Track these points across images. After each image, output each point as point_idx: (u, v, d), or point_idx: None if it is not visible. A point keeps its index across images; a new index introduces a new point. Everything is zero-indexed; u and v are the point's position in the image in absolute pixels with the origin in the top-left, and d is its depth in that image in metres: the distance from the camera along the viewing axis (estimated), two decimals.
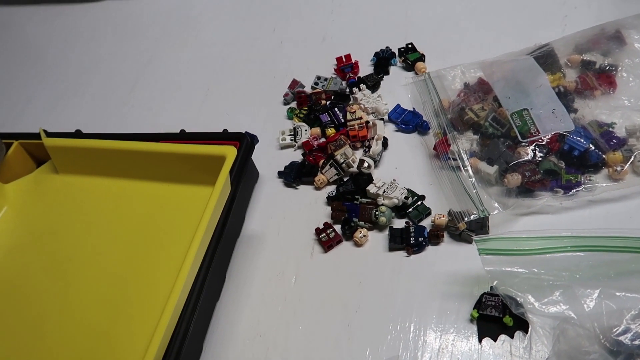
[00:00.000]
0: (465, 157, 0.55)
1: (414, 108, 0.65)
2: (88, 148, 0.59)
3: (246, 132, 0.70)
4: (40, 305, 0.52)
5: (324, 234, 0.56)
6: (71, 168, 0.62)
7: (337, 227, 0.57)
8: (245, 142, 0.59)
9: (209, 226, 0.48)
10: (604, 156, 0.53)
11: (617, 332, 0.38)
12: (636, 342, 0.38)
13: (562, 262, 0.44)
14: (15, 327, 0.51)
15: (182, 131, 0.64)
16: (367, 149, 0.62)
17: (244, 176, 0.58)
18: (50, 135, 0.61)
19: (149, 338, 0.42)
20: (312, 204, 0.61)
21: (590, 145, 0.52)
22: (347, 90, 0.70)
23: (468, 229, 0.52)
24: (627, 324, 0.38)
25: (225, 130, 0.63)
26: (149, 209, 0.56)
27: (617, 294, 0.40)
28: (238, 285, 0.56)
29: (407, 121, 0.64)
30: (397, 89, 0.69)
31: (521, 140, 0.53)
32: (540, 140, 0.52)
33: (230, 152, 0.51)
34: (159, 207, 0.56)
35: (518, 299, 0.43)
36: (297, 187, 0.63)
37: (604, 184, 0.52)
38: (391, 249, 0.54)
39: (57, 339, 0.49)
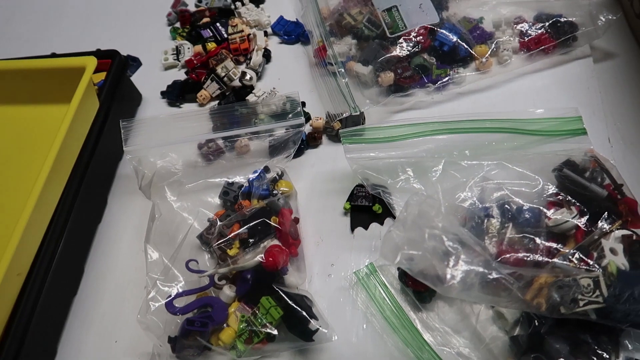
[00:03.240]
0: (340, 60, 0.53)
1: (297, 19, 0.63)
2: None
3: (128, 55, 0.66)
4: None
5: (205, 147, 0.54)
6: None
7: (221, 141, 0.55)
8: (117, 59, 0.56)
9: (67, 142, 0.45)
10: (471, 50, 0.53)
11: (460, 199, 0.39)
12: (477, 206, 0.39)
13: (423, 145, 0.45)
14: None
15: (53, 54, 0.60)
16: (248, 62, 0.60)
17: (118, 95, 0.55)
18: None
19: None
20: (199, 119, 0.58)
21: (459, 40, 0.52)
22: (232, 5, 0.67)
23: (344, 127, 0.51)
24: (468, 190, 0.40)
25: (98, 50, 0.59)
26: (12, 134, 0.52)
27: (462, 163, 0.41)
28: (121, 208, 0.54)
29: (290, 32, 0.62)
30: (283, 1, 0.66)
31: (389, 36, 0.52)
32: (407, 35, 0.52)
33: (90, 63, 0.48)
34: (23, 130, 0.52)
35: (375, 181, 0.43)
36: (181, 105, 0.60)
37: (471, 74, 0.52)
38: (272, 154, 0.53)
39: None
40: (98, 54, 0.57)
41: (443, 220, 0.37)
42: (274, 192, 0.48)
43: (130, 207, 0.53)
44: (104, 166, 0.54)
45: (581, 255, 0.35)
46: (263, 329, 0.40)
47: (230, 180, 0.50)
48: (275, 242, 0.44)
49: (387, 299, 0.41)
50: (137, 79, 0.64)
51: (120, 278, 0.49)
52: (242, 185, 0.50)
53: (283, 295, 0.40)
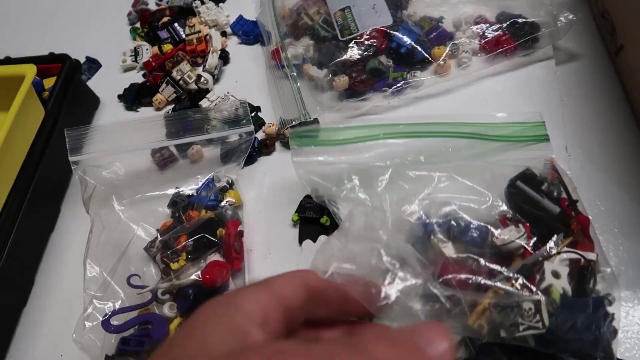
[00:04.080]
0: (293, 63, 0.51)
1: (257, 18, 0.60)
2: None
3: (87, 56, 0.64)
4: None
5: (158, 154, 0.52)
6: None
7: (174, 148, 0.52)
8: (68, 63, 0.53)
9: (5, 151, 0.43)
10: (429, 52, 0.50)
11: (407, 213, 0.37)
12: (422, 221, 0.36)
13: (374, 149, 0.41)
14: None
15: (7, 58, 0.57)
16: (204, 64, 0.57)
17: (68, 101, 0.52)
18: None
19: None
20: (152, 125, 0.56)
21: (413, 42, 0.49)
22: (193, 4, 0.64)
23: None
24: (417, 204, 0.37)
25: (51, 53, 0.56)
26: None
27: (410, 174, 0.38)
28: (75, 216, 0.52)
29: (248, 32, 0.59)
30: (244, 0, 0.63)
31: (340, 39, 0.49)
32: (359, 38, 0.49)
33: (29, 71, 0.45)
34: None
35: (320, 188, 0.40)
36: (138, 109, 0.58)
37: (429, 78, 0.49)
38: (224, 161, 0.50)
39: None
40: (49, 58, 0.55)
41: (387, 234, 0.34)
42: (222, 203, 0.45)
43: (85, 215, 0.51)
44: (55, 174, 0.52)
45: (523, 279, 0.33)
46: None
47: (179, 190, 0.48)
48: (218, 256, 0.41)
49: None
50: (96, 81, 0.62)
51: (70, 289, 0.47)
52: (191, 195, 0.47)
53: None
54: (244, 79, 0.56)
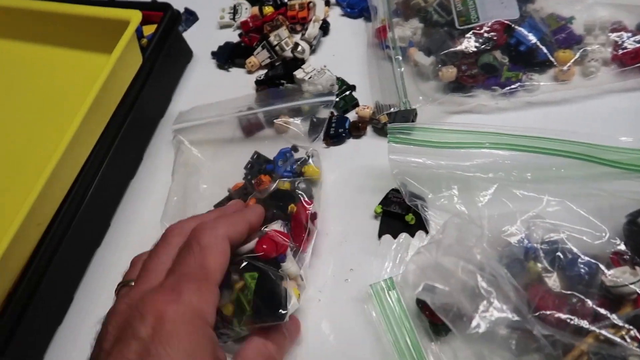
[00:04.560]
0: (400, 45, 0.47)
1: None
2: None
3: (185, 8, 0.62)
4: None
5: (246, 120, 0.50)
6: None
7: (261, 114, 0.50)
8: (170, 13, 0.52)
9: (103, 95, 0.42)
10: (552, 55, 0.44)
11: (507, 232, 0.33)
12: (523, 245, 0.33)
13: (477, 158, 0.38)
14: None
15: (111, 0, 0.57)
16: (304, 32, 0.54)
17: (165, 51, 0.51)
18: None
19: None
20: (242, 88, 0.54)
21: (538, 41, 0.44)
22: None
23: (391, 122, 0.45)
24: (519, 225, 0.33)
25: (154, 1, 0.55)
26: (60, 75, 0.50)
27: (516, 192, 0.34)
28: (155, 166, 0.51)
29: (353, 4, 0.55)
30: None
31: (458, 27, 0.45)
32: (478, 29, 0.44)
33: (134, 17, 0.44)
34: (64, 73, 0.50)
35: (415, 191, 0.37)
36: (229, 69, 0.56)
37: (547, 84, 0.44)
38: (311, 138, 0.48)
39: None
40: (151, 5, 0.54)
41: (482, 253, 0.31)
42: (298, 178, 0.43)
43: (165, 166, 0.51)
44: (144, 122, 0.52)
45: (636, 331, 0.29)
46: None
47: (257, 154, 0.46)
48: (279, 225, 0.39)
49: (400, 323, 0.36)
50: (190, 34, 0.61)
51: (144, 234, 0.47)
52: (269, 161, 0.45)
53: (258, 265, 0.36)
54: (341, 54, 0.53)
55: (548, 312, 0.30)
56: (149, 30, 0.54)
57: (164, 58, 0.51)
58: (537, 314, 0.31)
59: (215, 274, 0.32)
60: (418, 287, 0.32)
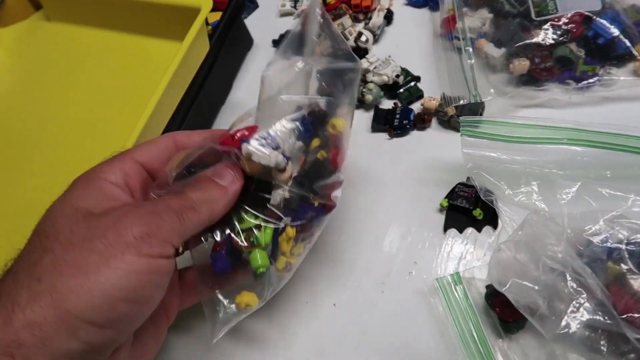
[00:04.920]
0: (469, 36, 0.45)
1: None
2: None
3: None
4: (29, 138, 0.52)
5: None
6: (59, 15, 0.57)
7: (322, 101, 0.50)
8: (234, 1, 0.52)
9: (173, 80, 0.43)
10: (634, 48, 0.42)
11: (590, 231, 0.32)
12: (607, 245, 0.31)
13: (554, 154, 0.36)
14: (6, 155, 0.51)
15: None
16: (367, 21, 0.53)
17: (229, 39, 0.51)
18: None
19: None
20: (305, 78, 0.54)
21: (620, 33, 0.42)
22: None
23: (459, 115, 0.44)
24: (602, 224, 0.32)
25: None
26: (130, 61, 0.51)
27: (601, 190, 0.33)
28: None
29: None
30: None
31: (534, 18, 0.43)
32: (556, 20, 0.42)
33: (205, 5, 0.44)
34: (142, 59, 0.51)
35: (490, 186, 0.36)
36: (289, 58, 0.56)
37: (627, 78, 0.42)
38: (374, 129, 0.48)
39: (44, 163, 0.50)
40: None
41: (563, 252, 0.30)
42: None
43: None
44: (206, 109, 0.52)
45: None
46: None
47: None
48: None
49: (467, 318, 0.35)
50: (251, 22, 0.60)
51: None
52: None
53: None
54: (406, 44, 0.52)
55: (637, 315, 0.29)
56: (212, 17, 0.54)
57: (228, 46, 0.52)
58: (624, 316, 0.29)
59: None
60: (501, 284, 0.31)
